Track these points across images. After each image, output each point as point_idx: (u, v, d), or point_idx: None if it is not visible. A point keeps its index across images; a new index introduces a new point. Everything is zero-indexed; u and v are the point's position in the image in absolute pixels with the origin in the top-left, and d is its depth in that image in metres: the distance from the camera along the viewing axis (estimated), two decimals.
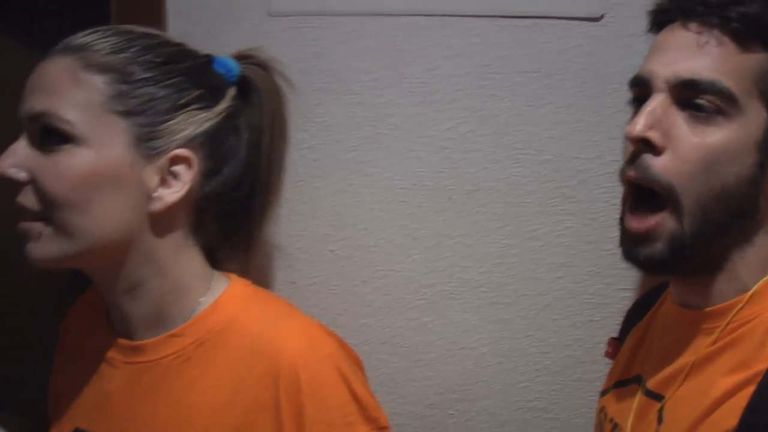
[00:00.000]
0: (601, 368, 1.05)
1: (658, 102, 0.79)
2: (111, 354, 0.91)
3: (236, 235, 0.96)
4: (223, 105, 0.88)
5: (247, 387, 0.84)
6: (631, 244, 0.82)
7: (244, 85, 0.92)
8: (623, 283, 1.14)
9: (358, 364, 0.91)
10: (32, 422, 1.03)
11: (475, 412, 1.17)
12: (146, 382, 0.88)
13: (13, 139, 0.83)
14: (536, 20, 1.09)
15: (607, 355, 1.03)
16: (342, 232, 1.14)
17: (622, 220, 0.84)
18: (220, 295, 0.90)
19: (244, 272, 0.94)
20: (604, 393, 0.99)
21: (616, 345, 1.02)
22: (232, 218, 0.95)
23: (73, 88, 0.81)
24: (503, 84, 1.11)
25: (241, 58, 0.93)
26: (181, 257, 0.89)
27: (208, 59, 0.90)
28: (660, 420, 0.82)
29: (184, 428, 0.85)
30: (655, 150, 0.78)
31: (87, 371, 0.94)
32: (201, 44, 0.92)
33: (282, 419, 0.82)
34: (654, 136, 0.78)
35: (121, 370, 0.90)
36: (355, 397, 0.85)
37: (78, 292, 1.08)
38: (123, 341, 0.91)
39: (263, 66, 0.94)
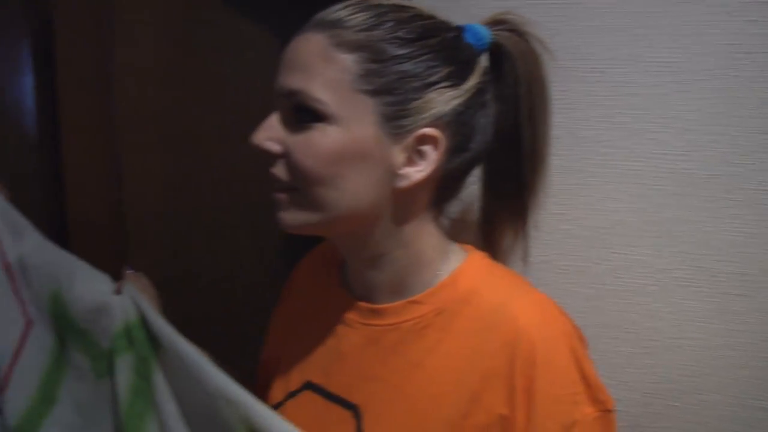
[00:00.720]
0: None
1: None
2: (348, 315, 0.95)
3: (506, 210, 0.97)
4: (472, 81, 0.87)
5: (484, 355, 0.85)
6: None
7: (497, 53, 0.91)
8: None
9: (585, 345, 0.90)
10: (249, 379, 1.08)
11: (700, 406, 1.12)
12: (385, 344, 0.91)
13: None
14: None
15: None
16: (576, 211, 1.12)
17: None
18: (460, 267, 0.92)
19: (511, 246, 0.96)
20: None
21: None
22: (500, 193, 0.95)
23: (324, 67, 0.82)
24: (754, 64, 1.04)
25: (493, 24, 0.92)
26: (423, 231, 0.91)
27: (459, 31, 0.90)
28: None
29: (421, 390, 0.88)
30: None
31: (320, 328, 0.98)
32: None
33: (515, 388, 0.83)
34: None
35: (358, 331, 0.94)
36: (584, 377, 0.85)
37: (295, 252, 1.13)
38: (363, 304, 0.94)
39: (517, 31, 0.92)
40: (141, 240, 1.42)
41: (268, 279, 1.35)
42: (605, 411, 0.86)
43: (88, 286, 1.05)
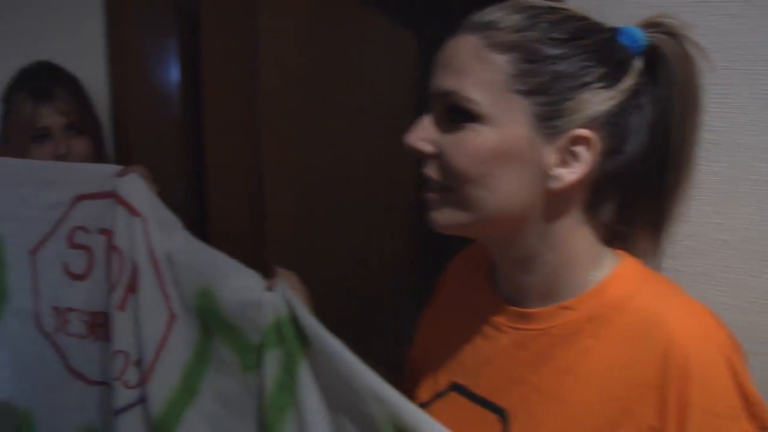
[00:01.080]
0: None
1: None
2: (497, 318, 0.95)
3: (644, 214, 0.94)
4: (627, 82, 0.85)
5: (636, 363, 0.83)
6: None
7: (652, 55, 0.88)
8: None
9: (744, 357, 0.85)
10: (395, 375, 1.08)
11: None
12: (534, 349, 0.91)
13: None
14: None
15: None
16: (737, 221, 1.07)
17: None
18: (612, 272, 0.90)
19: (651, 252, 0.92)
20: None
21: None
22: (639, 196, 0.93)
23: (478, 68, 0.83)
24: None
25: (649, 26, 0.89)
26: (575, 234, 0.90)
27: (613, 33, 0.88)
28: None
29: (570, 396, 0.86)
30: None
31: (468, 330, 0.98)
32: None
33: (666, 400, 0.80)
34: None
35: (507, 335, 0.94)
36: (742, 391, 0.81)
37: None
38: (512, 308, 0.93)
39: (673, 34, 0.89)
40: (277, 237, 1.45)
41: (406, 281, 1.35)
42: (765, 429, 0.82)
43: (240, 283, 1.08)
